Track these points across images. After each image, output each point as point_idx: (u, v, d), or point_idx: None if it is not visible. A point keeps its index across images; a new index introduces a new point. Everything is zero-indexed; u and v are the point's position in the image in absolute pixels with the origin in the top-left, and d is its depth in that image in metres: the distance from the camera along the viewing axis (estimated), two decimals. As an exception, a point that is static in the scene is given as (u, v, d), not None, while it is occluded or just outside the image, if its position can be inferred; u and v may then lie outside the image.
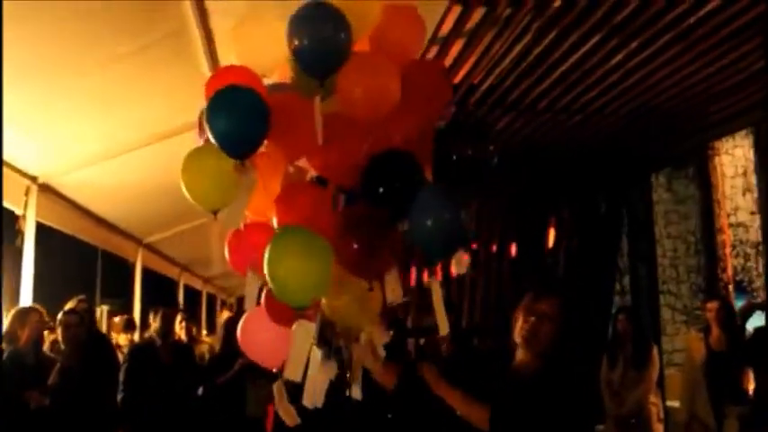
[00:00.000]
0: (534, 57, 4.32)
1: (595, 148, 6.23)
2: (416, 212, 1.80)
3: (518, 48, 4.21)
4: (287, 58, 1.96)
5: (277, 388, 2.07)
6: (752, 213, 7.80)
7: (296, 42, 1.76)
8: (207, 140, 1.84)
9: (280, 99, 1.85)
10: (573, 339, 2.31)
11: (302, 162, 2.00)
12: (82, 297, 4.99)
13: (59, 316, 4.24)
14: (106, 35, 3.11)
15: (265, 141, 1.83)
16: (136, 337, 6.29)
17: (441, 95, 2.06)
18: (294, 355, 1.80)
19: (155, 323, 4.77)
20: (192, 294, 10.40)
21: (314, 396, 1.84)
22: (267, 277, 1.68)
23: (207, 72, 3.40)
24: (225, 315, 7.69)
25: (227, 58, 3.17)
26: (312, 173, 2.04)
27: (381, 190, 1.79)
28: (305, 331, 1.82)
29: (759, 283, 7.75)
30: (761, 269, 7.75)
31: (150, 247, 7.30)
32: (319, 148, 1.83)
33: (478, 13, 3.80)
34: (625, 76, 4.61)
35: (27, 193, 4.37)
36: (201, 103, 1.87)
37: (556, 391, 2.19)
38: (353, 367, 2.00)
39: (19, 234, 4.28)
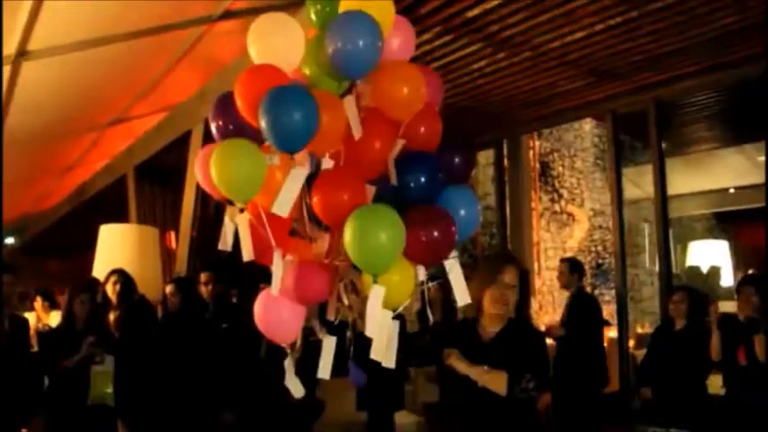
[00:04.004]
0: (420, 52, 4.70)
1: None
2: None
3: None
4: (304, 57, 2.13)
5: (288, 363, 2.21)
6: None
7: (337, 46, 1.97)
8: None
9: (317, 96, 2.00)
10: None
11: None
12: None
13: None
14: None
15: None
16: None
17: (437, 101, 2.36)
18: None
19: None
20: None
21: (385, 352, 1.95)
22: (351, 246, 1.83)
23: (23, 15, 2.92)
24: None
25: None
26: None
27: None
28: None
29: (499, 256, 9.41)
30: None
31: None
32: (352, 142, 2.05)
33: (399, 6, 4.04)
34: (476, 78, 5.31)
35: None
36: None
37: (523, 345, 2.57)
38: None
39: None
